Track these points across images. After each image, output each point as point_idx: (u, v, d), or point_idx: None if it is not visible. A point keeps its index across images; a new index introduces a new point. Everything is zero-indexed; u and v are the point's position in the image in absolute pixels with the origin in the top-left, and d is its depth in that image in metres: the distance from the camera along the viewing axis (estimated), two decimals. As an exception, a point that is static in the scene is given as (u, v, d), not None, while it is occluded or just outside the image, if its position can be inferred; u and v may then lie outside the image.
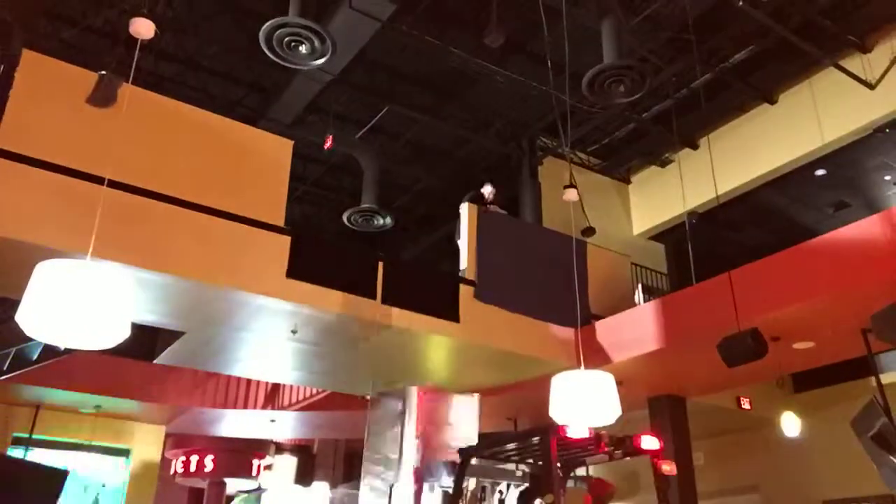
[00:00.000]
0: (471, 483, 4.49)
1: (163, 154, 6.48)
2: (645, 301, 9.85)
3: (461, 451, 4.55)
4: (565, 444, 4.00)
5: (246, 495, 15.24)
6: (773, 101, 10.66)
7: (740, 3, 8.18)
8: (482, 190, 9.18)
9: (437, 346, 8.19)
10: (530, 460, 4.26)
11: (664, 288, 10.93)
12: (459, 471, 4.17)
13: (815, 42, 9.12)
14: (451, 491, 4.38)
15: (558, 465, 4.26)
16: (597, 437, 4.18)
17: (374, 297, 7.41)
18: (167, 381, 11.15)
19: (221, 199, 6.61)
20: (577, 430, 3.95)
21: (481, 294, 8.13)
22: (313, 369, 9.15)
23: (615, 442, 4.27)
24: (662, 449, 4.29)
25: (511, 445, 4.29)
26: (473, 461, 4.44)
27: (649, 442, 4.26)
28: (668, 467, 4.24)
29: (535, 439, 4.12)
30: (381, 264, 7.59)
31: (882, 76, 9.34)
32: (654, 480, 4.30)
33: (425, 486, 4.88)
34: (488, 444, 4.55)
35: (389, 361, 8.83)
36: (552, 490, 3.76)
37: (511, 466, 5.31)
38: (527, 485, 4.34)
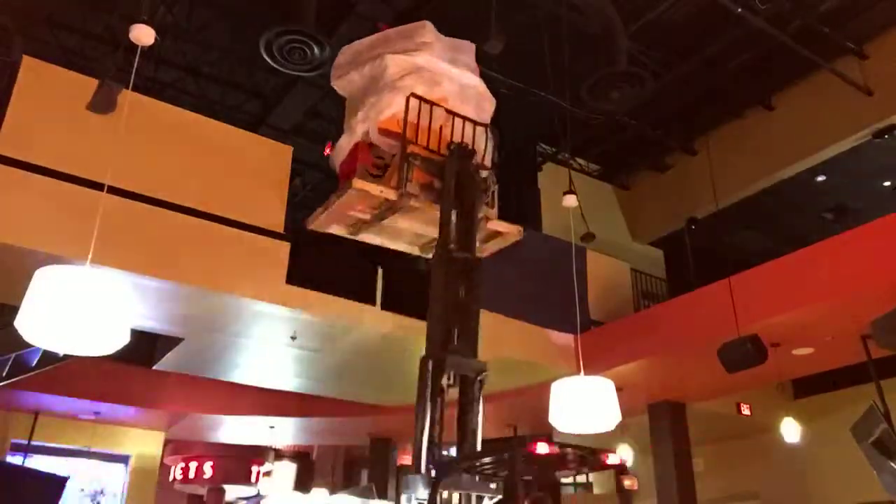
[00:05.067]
0: (453, 498, 4.53)
1: (162, 160, 6.48)
2: (645, 307, 9.85)
3: (438, 464, 4.56)
4: (532, 459, 4.05)
5: (245, 502, 15.22)
6: (771, 108, 10.68)
7: (739, 10, 8.20)
8: None
9: (436, 352, 8.18)
10: (503, 474, 4.29)
11: (663, 294, 10.93)
12: (435, 484, 4.20)
13: (813, 48, 9.14)
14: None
15: (529, 478, 4.29)
16: (562, 454, 4.20)
17: (373, 302, 7.41)
18: (166, 388, 11.12)
19: (221, 205, 6.61)
20: (545, 447, 3.98)
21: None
22: (312, 375, 9.14)
23: (579, 458, 4.33)
24: (624, 464, 4.37)
25: (487, 459, 4.34)
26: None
27: (614, 458, 4.36)
28: (630, 482, 4.32)
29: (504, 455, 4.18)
30: (380, 270, 7.59)
31: (880, 83, 9.36)
32: (617, 495, 4.39)
33: (403, 498, 4.87)
34: (465, 459, 4.60)
35: (389, 367, 8.82)
36: None
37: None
38: (500, 497, 4.38)
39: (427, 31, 6.73)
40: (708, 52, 9.30)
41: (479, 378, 5.18)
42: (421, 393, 4.91)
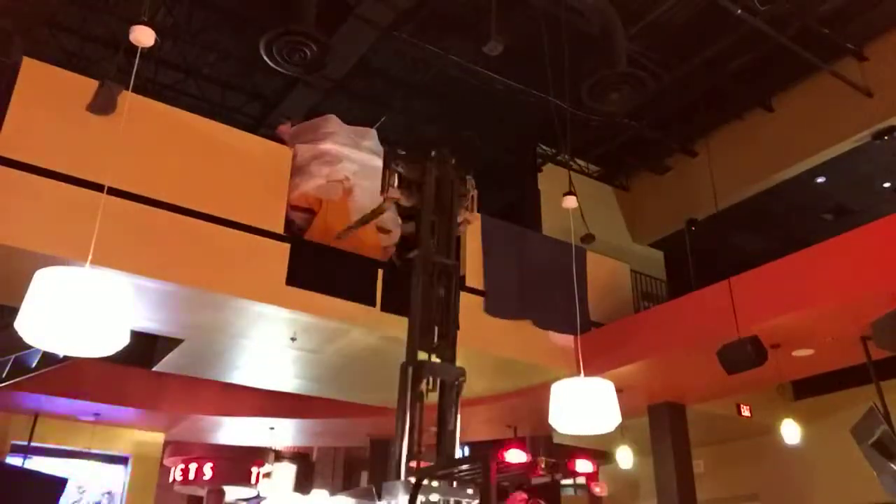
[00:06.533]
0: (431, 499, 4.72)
1: (162, 161, 6.48)
2: (644, 308, 9.85)
3: (418, 471, 4.70)
4: (506, 467, 4.28)
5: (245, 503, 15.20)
6: (771, 109, 10.69)
7: (738, 12, 8.21)
8: None
9: (436, 353, 8.18)
10: (480, 480, 4.47)
11: (663, 295, 10.94)
12: (414, 490, 4.30)
13: (813, 50, 9.15)
14: None
15: (506, 483, 4.58)
16: (532, 462, 4.46)
17: (373, 304, 7.41)
18: (166, 389, 11.13)
19: (221, 207, 6.62)
20: (516, 455, 4.27)
21: (492, 308, 8.16)
22: (312, 377, 9.14)
23: (550, 466, 4.61)
24: (596, 472, 4.57)
25: (464, 466, 4.47)
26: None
27: (584, 465, 4.57)
28: (599, 489, 4.57)
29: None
30: (380, 271, 7.59)
31: (880, 84, 9.37)
32: (588, 499, 4.63)
33: None
34: (442, 466, 4.73)
35: (389, 369, 8.81)
36: None
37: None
38: (477, 501, 4.52)
39: (331, 122, 7.99)
40: (708, 53, 9.31)
41: (456, 382, 5.42)
42: (401, 399, 5.12)
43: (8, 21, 7.38)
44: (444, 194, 6.35)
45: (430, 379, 5.35)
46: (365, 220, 7.07)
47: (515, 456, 4.10)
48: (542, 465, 4.56)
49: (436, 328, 5.74)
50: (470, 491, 4.45)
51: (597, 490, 4.58)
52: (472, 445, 14.67)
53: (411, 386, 5.24)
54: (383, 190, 6.35)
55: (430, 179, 6.33)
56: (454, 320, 5.83)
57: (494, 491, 3.97)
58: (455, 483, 4.46)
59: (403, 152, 6.55)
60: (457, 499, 4.51)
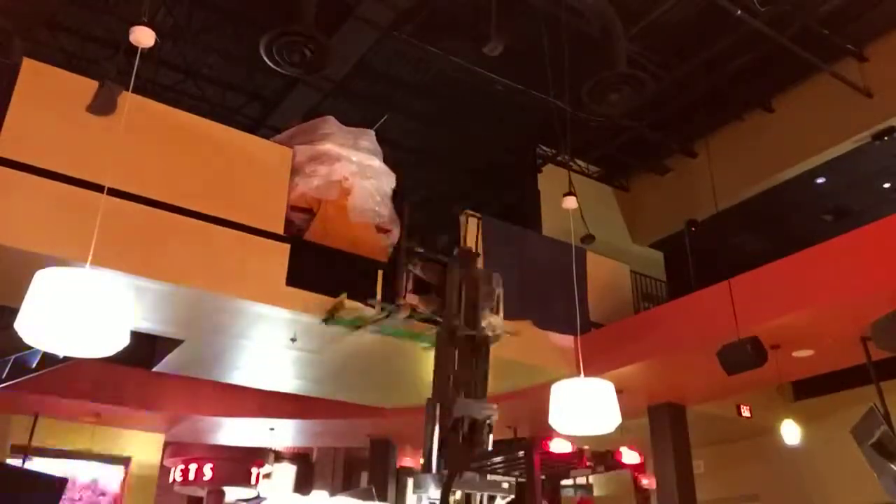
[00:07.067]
0: (457, 495, 4.54)
1: (162, 162, 6.48)
2: (644, 309, 9.85)
3: (452, 462, 4.62)
4: (548, 458, 4.10)
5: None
6: (771, 110, 10.70)
7: (738, 13, 8.21)
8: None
9: (436, 353, 8.18)
10: (516, 473, 4.32)
11: (663, 296, 10.94)
12: (447, 483, 4.20)
13: (813, 51, 9.15)
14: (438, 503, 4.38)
15: (543, 477, 4.36)
16: (579, 452, 4.27)
17: (373, 304, 7.40)
18: (166, 389, 11.12)
19: (221, 207, 6.61)
20: (561, 445, 4.06)
21: None
22: (313, 377, 9.14)
23: (597, 457, 4.39)
24: (643, 463, 4.39)
25: (498, 459, 4.36)
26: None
27: (630, 456, 4.35)
28: (647, 481, 4.35)
29: (520, 453, 4.20)
30: (380, 272, 7.59)
31: (880, 85, 9.37)
32: (634, 494, 4.41)
33: (415, 498, 4.88)
34: (477, 457, 4.62)
35: (389, 369, 8.82)
36: None
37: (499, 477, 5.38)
38: (513, 496, 4.37)
39: (329, 123, 7.94)
40: (707, 54, 9.32)
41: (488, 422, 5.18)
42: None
43: (8, 21, 7.38)
44: (469, 295, 6.12)
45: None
46: (357, 325, 7.12)
47: (559, 446, 3.88)
48: (588, 456, 4.29)
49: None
50: (505, 485, 4.37)
51: (645, 483, 4.32)
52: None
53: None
54: (400, 294, 6.24)
55: (453, 279, 6.12)
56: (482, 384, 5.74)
57: (539, 483, 3.91)
58: (489, 476, 4.37)
59: (420, 250, 6.46)
60: (491, 493, 4.43)
